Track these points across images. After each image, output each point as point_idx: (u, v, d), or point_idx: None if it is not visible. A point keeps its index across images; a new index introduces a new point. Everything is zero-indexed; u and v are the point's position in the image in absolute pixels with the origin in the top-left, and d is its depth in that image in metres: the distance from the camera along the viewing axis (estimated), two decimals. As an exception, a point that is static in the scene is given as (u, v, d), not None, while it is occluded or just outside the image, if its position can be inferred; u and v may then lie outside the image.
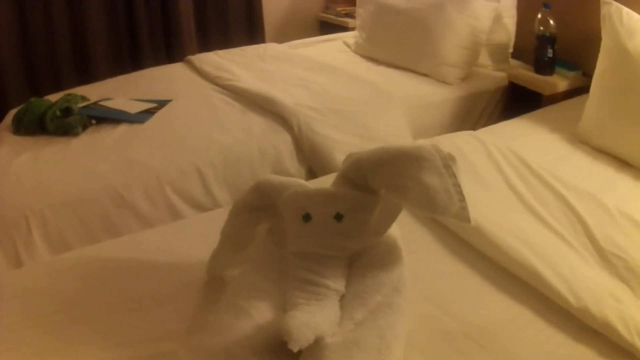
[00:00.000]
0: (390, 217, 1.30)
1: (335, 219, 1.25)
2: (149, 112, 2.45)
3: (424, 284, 1.47)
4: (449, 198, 1.16)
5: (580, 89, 2.69)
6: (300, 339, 1.03)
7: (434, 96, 2.87)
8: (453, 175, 1.18)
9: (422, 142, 1.27)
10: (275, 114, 2.47)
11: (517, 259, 1.51)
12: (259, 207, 1.40)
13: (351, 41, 3.56)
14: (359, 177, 1.27)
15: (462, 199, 1.17)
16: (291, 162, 2.40)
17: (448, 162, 1.19)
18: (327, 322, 1.13)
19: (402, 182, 1.20)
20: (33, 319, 1.38)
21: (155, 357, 1.26)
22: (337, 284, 1.23)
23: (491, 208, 1.71)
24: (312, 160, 2.41)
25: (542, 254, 1.51)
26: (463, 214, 1.17)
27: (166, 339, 1.31)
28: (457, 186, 1.17)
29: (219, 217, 1.48)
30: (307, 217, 1.26)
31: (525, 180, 1.88)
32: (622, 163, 2.10)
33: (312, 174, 2.42)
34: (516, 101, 2.93)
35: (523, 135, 2.32)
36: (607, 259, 1.54)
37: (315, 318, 1.10)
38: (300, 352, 1.08)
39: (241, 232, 1.43)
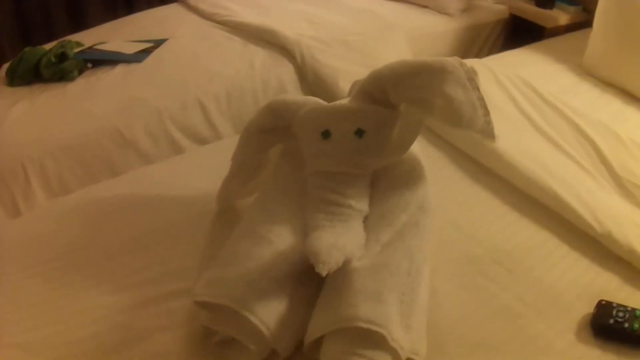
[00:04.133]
0: (412, 133, 1.24)
1: (356, 134, 1.18)
2: (146, 52, 2.41)
3: (446, 208, 1.43)
4: (474, 111, 1.11)
5: (581, 24, 2.65)
6: (329, 261, 0.97)
7: (436, 27, 2.81)
8: (477, 89, 1.13)
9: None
10: (276, 46, 2.41)
11: (538, 183, 1.46)
12: (272, 129, 1.32)
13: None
14: (380, 92, 1.19)
15: (487, 113, 1.12)
16: (295, 93, 2.33)
17: (471, 75, 1.13)
18: (354, 244, 1.07)
19: (425, 95, 1.14)
20: (33, 267, 1.31)
21: (164, 297, 1.19)
22: (360, 203, 1.17)
23: (506, 133, 1.63)
24: (317, 90, 2.35)
25: (561, 178, 1.47)
26: (488, 129, 1.13)
27: (176, 277, 1.24)
28: (482, 100, 1.13)
29: (223, 148, 1.42)
30: (326, 134, 1.19)
31: (537, 107, 1.82)
32: (630, 96, 2.04)
33: (316, 103, 2.37)
34: (517, 35, 2.87)
35: (528, 65, 2.25)
36: (624, 187, 1.51)
37: (341, 239, 1.04)
38: (324, 278, 1.03)
39: (253, 157, 1.36)
